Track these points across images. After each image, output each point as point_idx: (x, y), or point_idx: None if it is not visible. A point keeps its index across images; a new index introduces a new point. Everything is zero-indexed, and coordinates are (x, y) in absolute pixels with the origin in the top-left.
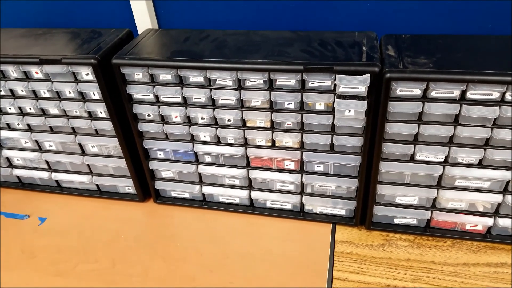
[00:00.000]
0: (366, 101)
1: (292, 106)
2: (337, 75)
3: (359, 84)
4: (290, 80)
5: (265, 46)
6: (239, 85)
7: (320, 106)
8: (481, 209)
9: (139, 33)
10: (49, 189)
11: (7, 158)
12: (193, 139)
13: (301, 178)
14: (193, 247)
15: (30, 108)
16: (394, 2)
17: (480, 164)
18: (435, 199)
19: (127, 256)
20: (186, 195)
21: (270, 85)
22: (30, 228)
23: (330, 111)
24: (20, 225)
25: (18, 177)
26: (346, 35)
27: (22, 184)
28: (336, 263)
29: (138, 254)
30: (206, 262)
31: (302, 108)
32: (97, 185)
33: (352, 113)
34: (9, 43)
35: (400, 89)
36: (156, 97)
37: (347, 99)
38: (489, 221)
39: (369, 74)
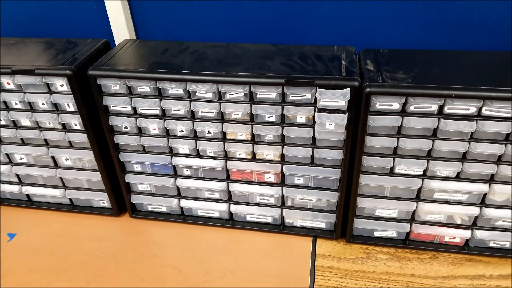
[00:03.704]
0: (347, 115)
1: (272, 119)
2: (317, 89)
3: (339, 98)
4: (271, 93)
5: (246, 59)
6: (219, 98)
7: (300, 119)
8: (459, 222)
9: (117, 44)
10: (19, 204)
11: None
12: (171, 152)
13: (282, 191)
14: (171, 264)
15: (0, 120)
16: (371, 17)
17: (457, 177)
18: (414, 212)
19: (102, 275)
20: (164, 209)
21: (251, 98)
22: None
23: (311, 124)
24: None
25: None
26: (325, 49)
27: None
28: (317, 277)
29: (113, 273)
30: (185, 279)
31: (282, 121)
32: (70, 199)
33: (333, 127)
34: None
35: (379, 103)
36: (134, 109)
37: (328, 112)
38: (467, 234)
39: (349, 89)
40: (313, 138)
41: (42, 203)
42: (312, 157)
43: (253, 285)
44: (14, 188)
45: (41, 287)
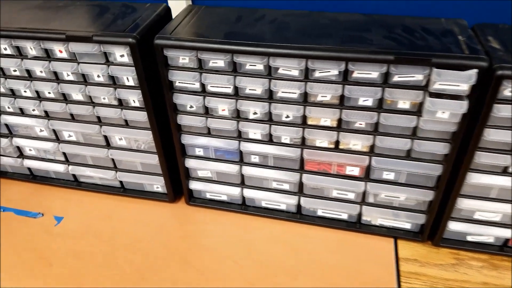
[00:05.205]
0: (466, 102)
1: (368, 103)
2: (434, 69)
3: (461, 81)
4: (372, 72)
5: (336, 30)
6: (306, 76)
7: (404, 104)
8: None
9: (172, 8)
10: (64, 184)
11: (18, 147)
12: (240, 136)
13: (365, 186)
14: (231, 258)
15: (49, 92)
16: None
17: None
18: None
19: (154, 265)
20: (224, 198)
21: (345, 78)
22: (44, 229)
23: (415, 111)
24: (33, 225)
25: (29, 168)
26: (431, 21)
27: (33, 177)
28: (403, 284)
29: (167, 263)
30: (246, 275)
31: (379, 106)
32: (121, 181)
33: (446, 115)
34: (23, 15)
35: (511, 90)
36: (203, 86)
37: (442, 98)
38: None
39: (475, 70)
40: (415, 127)
41: (89, 185)
42: (410, 150)
43: None
44: (60, 167)
45: (91, 278)
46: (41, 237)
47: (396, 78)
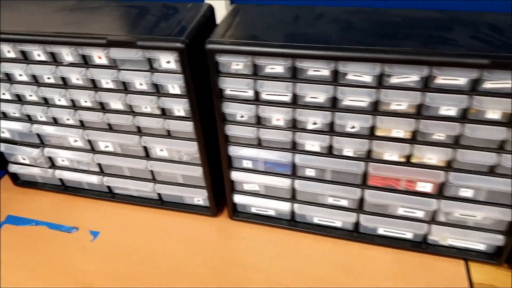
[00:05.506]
0: None
1: (451, 112)
2: None
3: None
4: (459, 78)
5: (411, 29)
6: (380, 82)
7: (493, 114)
8: None
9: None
10: (98, 195)
11: (49, 158)
12: (294, 148)
13: (438, 203)
14: (280, 280)
15: (85, 101)
16: None
17: None
18: None
19: (195, 284)
20: (271, 213)
21: (425, 84)
22: (81, 244)
23: (507, 121)
24: (68, 240)
25: (60, 179)
26: None
27: (64, 188)
28: None
29: (208, 282)
30: None
31: (464, 116)
32: (159, 194)
33: None
34: (56, 17)
35: None
36: (256, 93)
37: None
38: None
39: None
40: (503, 140)
41: (125, 196)
42: (495, 165)
43: None
44: (94, 179)
45: None
46: (78, 254)
47: (487, 85)
